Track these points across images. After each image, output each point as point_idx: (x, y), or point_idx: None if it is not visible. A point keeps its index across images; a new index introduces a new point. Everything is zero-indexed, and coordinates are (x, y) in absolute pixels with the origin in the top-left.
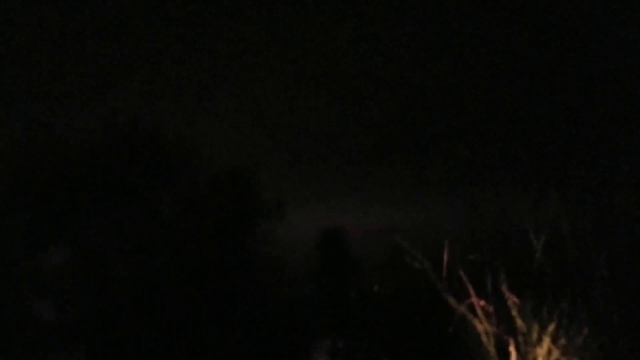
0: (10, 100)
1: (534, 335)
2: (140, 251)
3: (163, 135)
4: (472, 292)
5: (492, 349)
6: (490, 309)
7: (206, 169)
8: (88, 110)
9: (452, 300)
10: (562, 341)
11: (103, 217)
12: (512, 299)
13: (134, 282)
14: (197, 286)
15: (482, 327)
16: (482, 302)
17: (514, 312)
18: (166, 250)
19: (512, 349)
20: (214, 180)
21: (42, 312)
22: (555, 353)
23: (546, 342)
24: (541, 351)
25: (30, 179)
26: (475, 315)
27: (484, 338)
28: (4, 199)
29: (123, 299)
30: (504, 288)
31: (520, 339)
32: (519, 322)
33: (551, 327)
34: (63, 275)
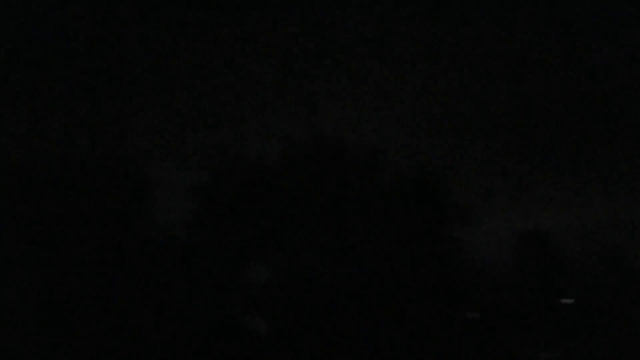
0: (200, 126)
1: None
2: (338, 263)
3: (347, 147)
4: None
5: None
6: None
7: (395, 177)
8: (269, 129)
9: None
10: None
11: (301, 233)
12: None
13: (334, 294)
14: (392, 295)
15: None
16: None
17: None
18: (361, 260)
19: None
20: (403, 188)
21: (254, 326)
22: None
23: None
24: None
25: (232, 200)
26: None
27: None
28: (211, 220)
29: (326, 310)
30: None
31: None
32: None
33: None
34: (270, 290)
